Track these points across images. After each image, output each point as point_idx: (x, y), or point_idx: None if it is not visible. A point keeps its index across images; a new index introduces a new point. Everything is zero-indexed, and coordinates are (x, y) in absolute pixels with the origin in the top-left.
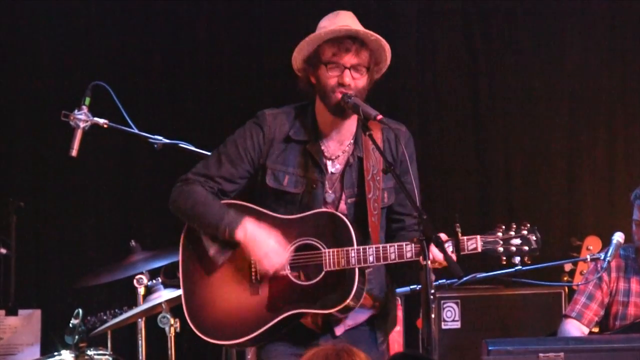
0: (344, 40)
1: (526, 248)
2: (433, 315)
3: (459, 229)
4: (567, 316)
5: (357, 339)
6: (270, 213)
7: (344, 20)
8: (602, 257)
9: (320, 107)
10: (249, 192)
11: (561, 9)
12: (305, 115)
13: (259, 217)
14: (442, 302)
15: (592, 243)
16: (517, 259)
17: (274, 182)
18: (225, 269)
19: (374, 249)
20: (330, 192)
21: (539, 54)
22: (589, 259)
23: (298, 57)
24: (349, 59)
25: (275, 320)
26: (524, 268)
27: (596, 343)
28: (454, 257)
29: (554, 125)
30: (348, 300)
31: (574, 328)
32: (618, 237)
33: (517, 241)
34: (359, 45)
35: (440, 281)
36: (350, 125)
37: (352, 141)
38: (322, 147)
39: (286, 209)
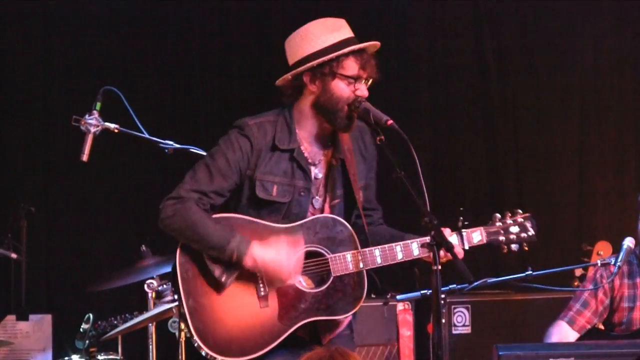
0: (364, 54)
1: (524, 235)
2: (444, 320)
3: (463, 222)
4: (560, 320)
5: (342, 345)
6: (269, 224)
7: (346, 30)
8: (612, 262)
9: (310, 113)
10: (225, 203)
11: (572, 9)
12: (286, 122)
13: (259, 229)
14: (453, 307)
15: (602, 248)
16: (516, 247)
17: (264, 193)
18: (231, 284)
19: (379, 250)
20: (316, 197)
21: (549, 56)
22: (599, 264)
23: (306, 65)
24: (369, 72)
25: (290, 331)
26: (534, 273)
27: (607, 348)
28: (460, 252)
29: (564, 130)
30: (359, 305)
31: (564, 332)
32: (628, 242)
33: (516, 229)
34: (373, 60)
35: (450, 286)
36: (329, 128)
37: (330, 144)
38: (305, 154)
39: (269, 218)
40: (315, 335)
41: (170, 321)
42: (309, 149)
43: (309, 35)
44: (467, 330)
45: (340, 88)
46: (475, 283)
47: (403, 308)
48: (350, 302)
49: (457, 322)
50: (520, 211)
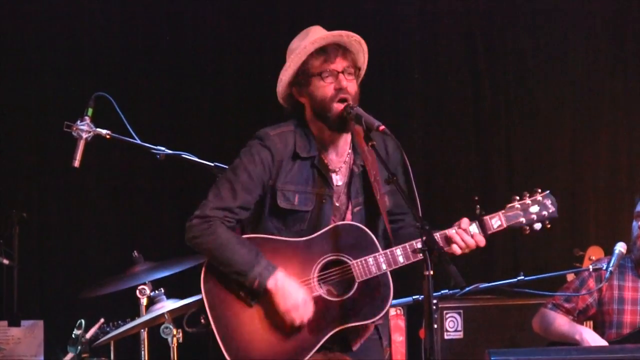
0: (329, 47)
1: (545, 213)
2: (436, 326)
3: (480, 210)
4: (544, 306)
5: (370, 349)
6: (288, 239)
7: (319, 33)
8: (604, 267)
9: (315, 123)
10: (253, 213)
11: (564, 12)
12: (304, 130)
13: (278, 246)
14: (445, 312)
15: (594, 253)
16: (539, 226)
17: (285, 203)
18: (257, 304)
19: (400, 249)
20: (337, 204)
21: (542, 57)
22: (591, 269)
23: (284, 79)
24: (340, 63)
25: (322, 342)
26: (526, 278)
27: (600, 353)
28: (482, 240)
29: (557, 133)
30: (388, 305)
31: (558, 314)
32: (620, 247)
33: (536, 208)
34: (343, 50)
35: (442, 291)
36: (347, 135)
37: (350, 151)
38: (326, 161)
39: (294, 227)
40: (344, 344)
41: (163, 327)
42: (329, 156)
43: (287, 53)
44: (459, 335)
45: (318, 88)
46: (467, 288)
47: (395, 313)
48: (378, 305)
49: (450, 327)
50: (539, 190)
